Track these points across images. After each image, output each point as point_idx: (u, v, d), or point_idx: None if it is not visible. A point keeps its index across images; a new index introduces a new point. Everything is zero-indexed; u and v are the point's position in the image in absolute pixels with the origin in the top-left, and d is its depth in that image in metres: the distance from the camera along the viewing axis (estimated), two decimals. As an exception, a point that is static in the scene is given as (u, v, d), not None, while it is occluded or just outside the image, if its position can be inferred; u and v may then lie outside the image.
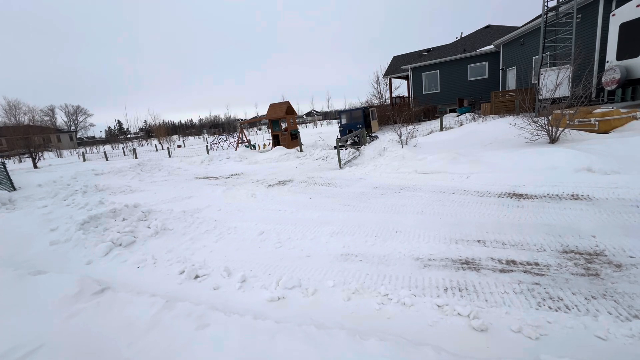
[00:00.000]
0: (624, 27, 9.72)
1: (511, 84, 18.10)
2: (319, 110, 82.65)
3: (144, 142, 47.34)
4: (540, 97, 10.37)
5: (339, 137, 14.43)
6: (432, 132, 13.40)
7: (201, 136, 52.99)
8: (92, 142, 58.59)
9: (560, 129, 7.96)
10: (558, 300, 2.63)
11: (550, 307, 2.55)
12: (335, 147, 13.85)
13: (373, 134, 15.68)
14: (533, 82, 14.03)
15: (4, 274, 3.44)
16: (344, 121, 16.28)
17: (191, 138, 51.17)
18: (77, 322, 2.61)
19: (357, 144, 12.78)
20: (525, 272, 3.11)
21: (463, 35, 25.80)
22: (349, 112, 16.40)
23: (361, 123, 15.29)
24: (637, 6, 9.19)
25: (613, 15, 10.14)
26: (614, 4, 10.90)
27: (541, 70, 11.45)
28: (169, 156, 19.38)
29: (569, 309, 2.51)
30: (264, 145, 19.96)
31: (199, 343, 2.24)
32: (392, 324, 2.53)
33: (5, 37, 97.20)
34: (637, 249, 3.26)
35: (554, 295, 2.70)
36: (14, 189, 9.80)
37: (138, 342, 2.32)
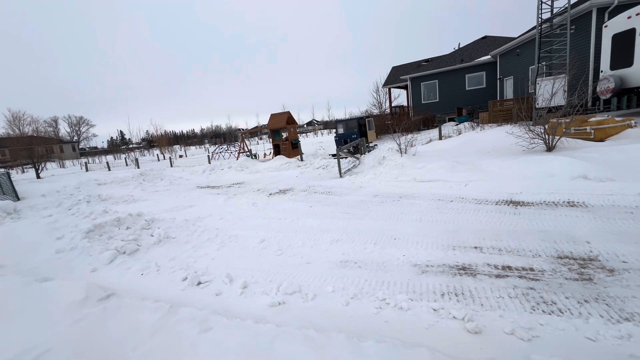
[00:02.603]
0: (617, 38, 9.96)
1: (508, 93, 18.37)
2: (319, 120, 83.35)
3: (146, 152, 47.69)
4: (537, 106, 10.55)
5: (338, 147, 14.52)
6: (431, 140, 13.55)
7: (203, 146, 53.39)
8: (95, 152, 59.05)
9: (557, 138, 8.09)
10: (551, 304, 2.70)
11: (543, 311, 2.62)
12: (334, 156, 13.92)
13: (371, 144, 15.72)
14: (530, 92, 14.25)
15: (11, 281, 3.52)
16: (340, 131, 16.21)
17: (193, 148, 51.58)
18: (84, 327, 2.68)
19: (357, 153, 12.89)
20: (520, 277, 3.18)
21: (461, 46, 26.25)
22: (345, 122, 16.33)
23: (356, 133, 15.24)
24: (629, 18, 9.44)
25: (605, 26, 10.40)
26: (606, 15, 11.19)
27: (537, 79, 11.68)
28: (171, 166, 19.55)
29: (562, 312, 2.58)
30: (265, 154, 20.14)
31: (202, 346, 2.32)
32: (389, 327, 2.60)
33: (9, 48, 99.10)
34: (630, 254, 3.33)
35: (547, 299, 2.77)
36: (18, 198, 9.93)
37: (143, 345, 2.39)
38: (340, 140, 15.78)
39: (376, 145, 15.12)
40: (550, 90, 8.93)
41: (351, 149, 13.37)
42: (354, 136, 15.17)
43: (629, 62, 9.51)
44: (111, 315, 2.81)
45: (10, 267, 4.36)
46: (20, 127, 45.39)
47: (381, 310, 2.83)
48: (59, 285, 3.35)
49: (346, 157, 11.98)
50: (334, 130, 18.32)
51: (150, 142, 56.93)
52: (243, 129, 61.07)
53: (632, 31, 9.38)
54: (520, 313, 2.60)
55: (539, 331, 2.35)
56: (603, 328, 2.29)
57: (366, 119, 16.07)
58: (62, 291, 3.22)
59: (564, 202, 5.09)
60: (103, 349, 2.40)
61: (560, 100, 9.08)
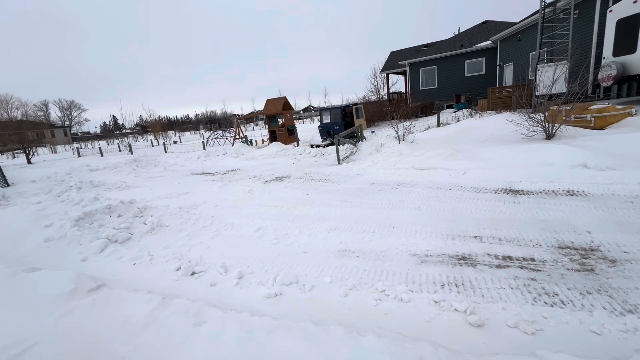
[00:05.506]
0: (621, 24, 9.73)
1: (508, 79, 18.12)
2: (316, 106, 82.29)
3: (139, 137, 46.87)
4: (537, 93, 10.39)
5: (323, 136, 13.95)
6: (429, 128, 13.38)
7: (197, 132, 52.63)
8: (87, 137, 57.97)
9: (557, 125, 7.99)
10: (554, 296, 2.65)
11: (546, 303, 2.57)
12: (315, 145, 13.47)
13: (367, 133, 14.56)
14: (530, 78, 14.05)
15: (-3, 271, 3.40)
16: (325, 120, 14.74)
17: (187, 134, 50.86)
18: (72, 319, 2.58)
19: (354, 139, 12.59)
20: (521, 267, 3.13)
21: (460, 31, 25.72)
22: (330, 110, 14.88)
23: (339, 124, 13.84)
24: (634, 2, 9.20)
25: (610, 11, 10.14)
26: (610, 0, 10.90)
27: (538, 66, 11.47)
28: (165, 152, 19.21)
29: (565, 304, 2.53)
30: (262, 140, 19.86)
31: (196, 340, 2.23)
32: (389, 320, 2.53)
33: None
34: (631, 244, 3.29)
35: (549, 291, 2.72)
36: (8, 185, 9.67)
37: (134, 339, 2.30)
38: (324, 131, 14.53)
39: (374, 132, 14.58)
40: (551, 77, 8.75)
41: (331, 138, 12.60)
42: (337, 127, 13.90)
43: (632, 48, 9.32)
44: (101, 308, 2.71)
45: (-3, 256, 4.22)
46: (9, 111, 44.28)
47: (380, 302, 2.76)
48: (46, 276, 3.24)
49: (343, 145, 11.73)
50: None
51: (144, 128, 55.96)
52: (238, 115, 60.17)
53: (637, 16, 9.15)
54: (522, 305, 2.54)
55: (542, 324, 2.29)
56: (608, 321, 2.25)
57: (353, 107, 14.47)
58: (50, 282, 3.11)
59: (564, 191, 5.04)
60: (92, 344, 2.31)
61: (561, 87, 8.92)
